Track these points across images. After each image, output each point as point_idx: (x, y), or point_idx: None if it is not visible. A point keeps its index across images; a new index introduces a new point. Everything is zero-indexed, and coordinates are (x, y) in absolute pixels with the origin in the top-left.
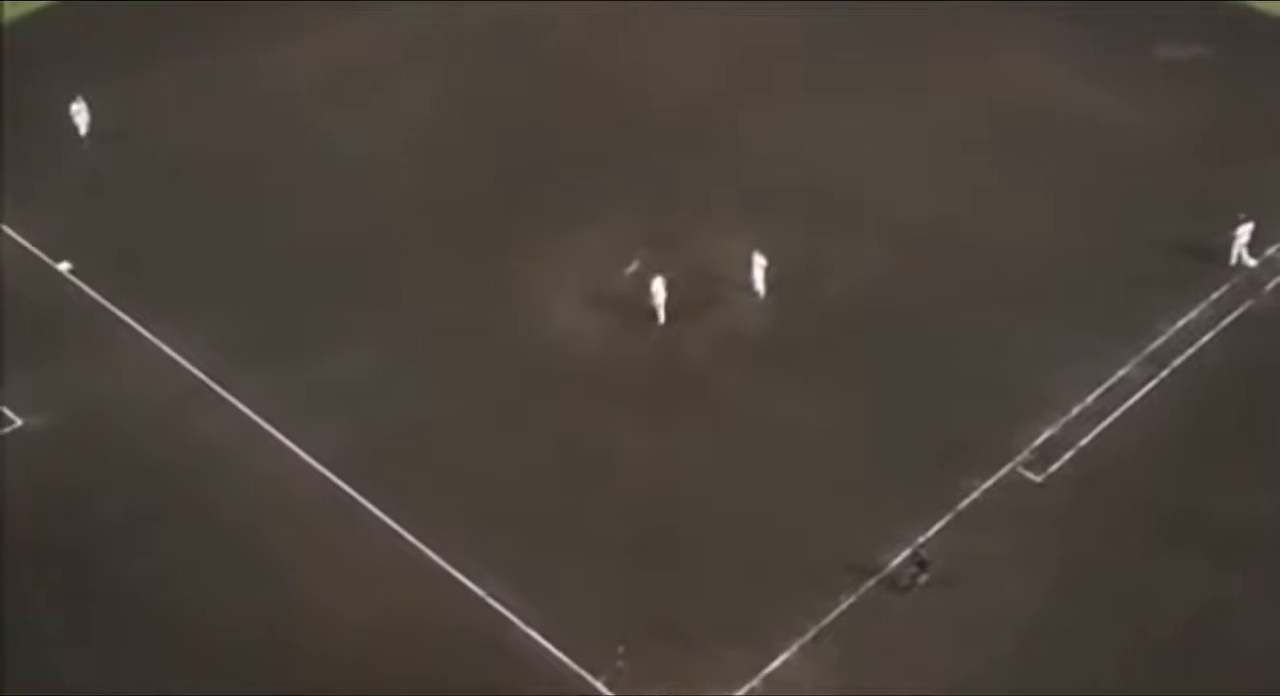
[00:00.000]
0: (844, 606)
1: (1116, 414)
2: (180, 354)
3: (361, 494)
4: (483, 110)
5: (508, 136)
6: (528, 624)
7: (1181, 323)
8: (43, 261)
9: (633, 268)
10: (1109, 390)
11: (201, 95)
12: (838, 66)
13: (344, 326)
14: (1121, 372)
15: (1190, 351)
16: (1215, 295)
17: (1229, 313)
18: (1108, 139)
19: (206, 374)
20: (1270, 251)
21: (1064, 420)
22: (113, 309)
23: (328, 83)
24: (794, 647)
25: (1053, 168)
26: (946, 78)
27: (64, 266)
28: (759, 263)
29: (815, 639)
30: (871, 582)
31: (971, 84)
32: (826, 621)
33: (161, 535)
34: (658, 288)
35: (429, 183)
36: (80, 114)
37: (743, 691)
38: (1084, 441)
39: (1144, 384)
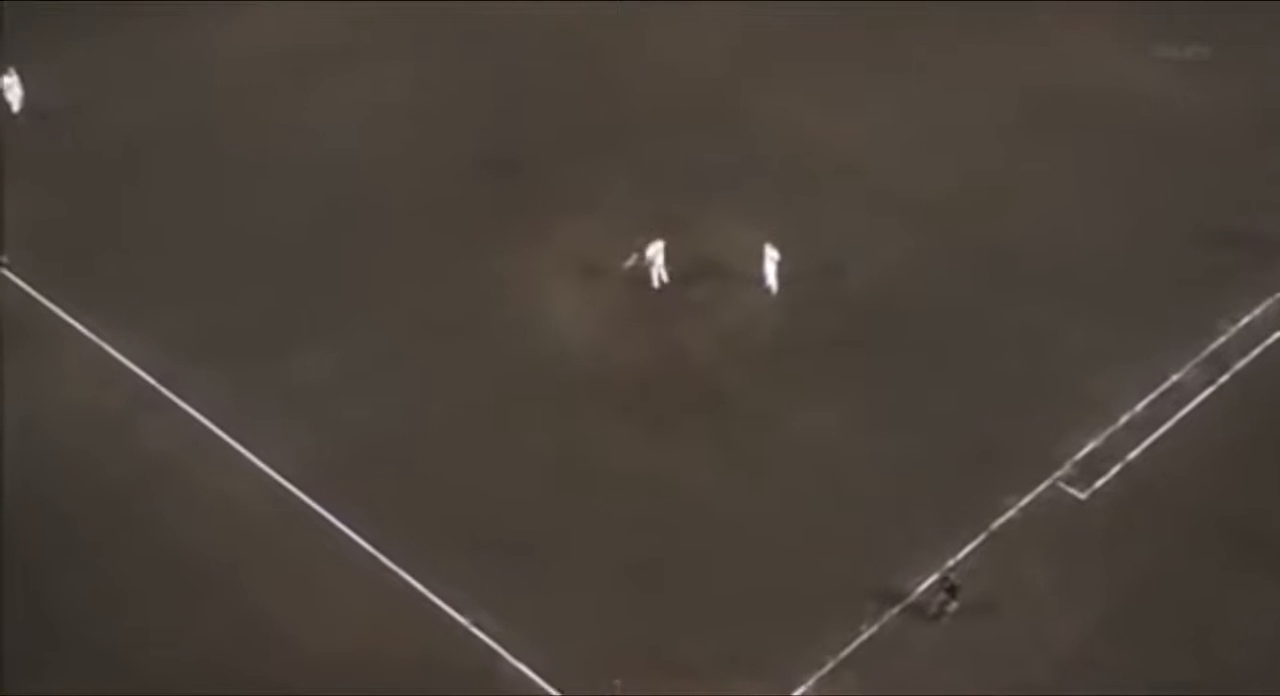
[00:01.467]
0: (865, 637)
1: (1170, 423)
2: (128, 356)
3: (329, 510)
4: (466, 91)
5: (495, 118)
6: (516, 656)
7: (1244, 320)
8: None
9: (632, 261)
10: (1161, 395)
11: (149, 68)
12: (858, 42)
13: (311, 324)
14: (1176, 377)
15: (1254, 353)
16: None
17: None
18: (1160, 120)
19: (157, 378)
20: None
21: (1111, 429)
22: (52, 308)
23: (295, 55)
24: (810, 682)
25: (1097, 151)
26: (977, 54)
27: None
28: (771, 255)
29: (833, 673)
30: (896, 610)
31: (1004, 61)
32: (846, 653)
33: (106, 555)
34: (655, 251)
35: (406, 167)
36: (12, 89)
37: None
38: (1133, 453)
39: (1201, 389)
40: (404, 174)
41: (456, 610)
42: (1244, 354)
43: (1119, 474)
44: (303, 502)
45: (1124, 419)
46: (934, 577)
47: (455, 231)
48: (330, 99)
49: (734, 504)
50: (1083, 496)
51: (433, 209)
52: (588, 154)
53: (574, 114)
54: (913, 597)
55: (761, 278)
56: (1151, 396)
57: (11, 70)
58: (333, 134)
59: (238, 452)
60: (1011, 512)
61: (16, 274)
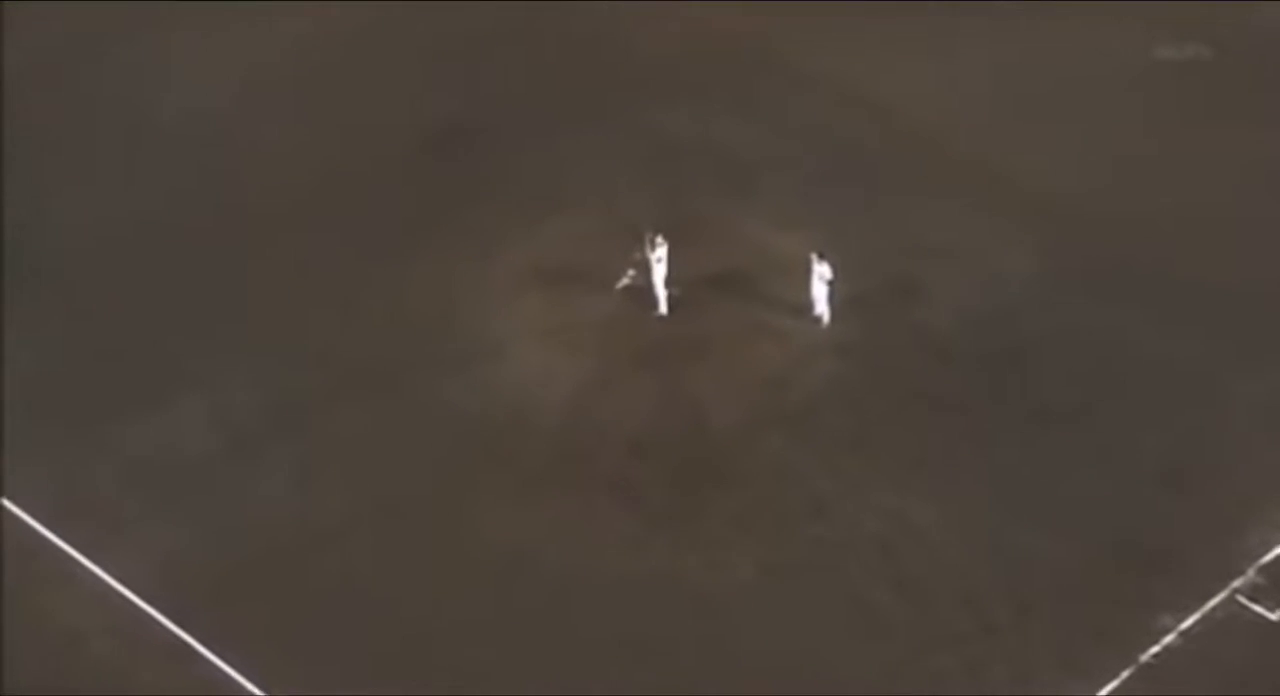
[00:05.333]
0: None
1: None
2: None
3: (200, 639)
4: (396, 41)
5: (436, 78)
6: None
7: None
8: None
9: (628, 279)
10: None
11: None
12: None
13: (173, 371)
14: None
15: None
16: None
17: None
18: None
19: None
20: None
21: None
22: None
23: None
24: None
25: (1261, 133)
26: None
27: None
28: (821, 272)
29: None
30: None
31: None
32: None
33: None
34: (658, 264)
35: (310, 147)
36: None
37: None
38: None
39: None
40: (306, 157)
41: None
42: None
43: None
44: (162, 625)
45: None
46: None
47: (379, 238)
48: (200, 53)
49: (768, 625)
50: (1273, 616)
51: (347, 206)
52: (566, 127)
53: (548, 72)
54: None
55: (808, 303)
56: None
57: None
58: (202, 102)
59: (75, 562)
60: (1170, 638)
61: None
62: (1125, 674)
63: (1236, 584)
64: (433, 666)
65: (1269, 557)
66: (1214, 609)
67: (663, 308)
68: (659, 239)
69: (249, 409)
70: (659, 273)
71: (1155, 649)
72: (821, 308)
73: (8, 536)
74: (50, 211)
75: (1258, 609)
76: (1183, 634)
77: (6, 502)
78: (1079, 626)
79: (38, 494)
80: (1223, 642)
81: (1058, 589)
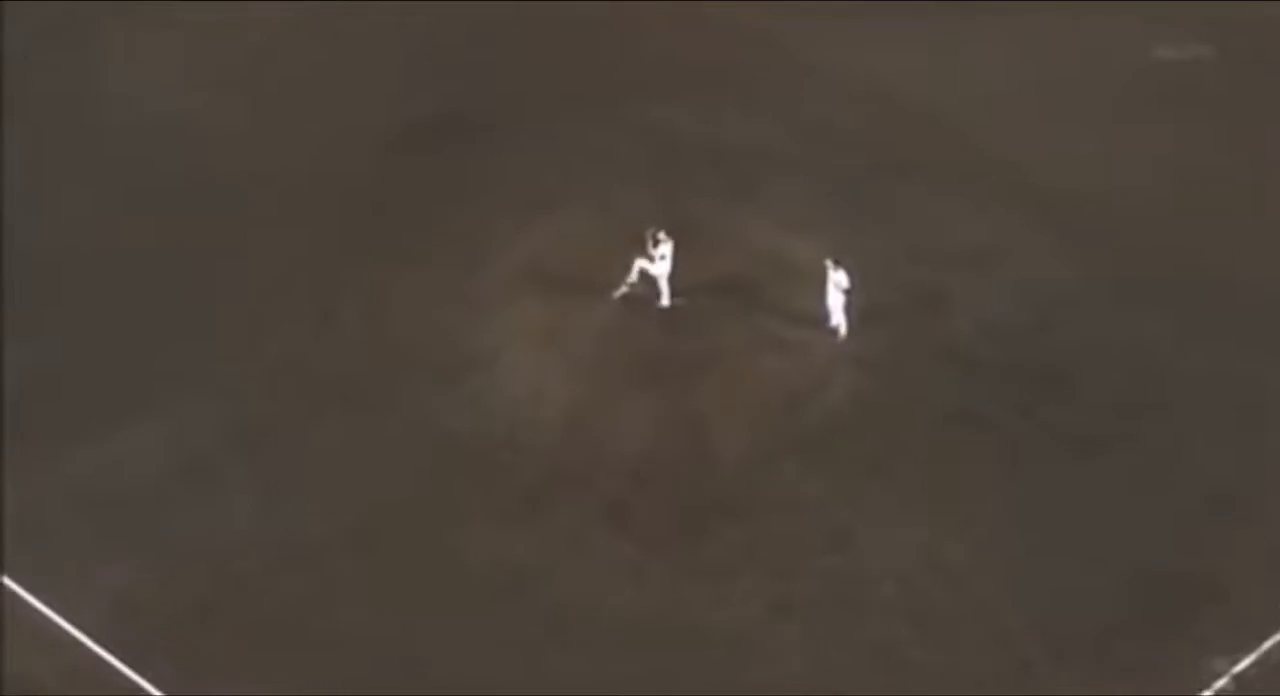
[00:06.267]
0: None
1: None
2: None
3: (152, 680)
4: (392, 40)
5: (430, 79)
6: None
7: None
8: None
9: (625, 288)
10: None
11: None
12: None
13: (129, 389)
14: None
15: None
16: None
17: None
18: None
19: None
20: None
21: None
22: None
23: None
24: None
25: None
26: None
27: None
28: (837, 280)
29: None
30: None
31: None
32: None
33: None
34: (659, 271)
35: (275, 142)
36: None
37: None
38: None
39: None
40: (270, 153)
41: None
42: None
43: None
44: (113, 669)
45: None
46: None
47: (355, 245)
48: (152, 47)
49: (778, 664)
50: None
51: (324, 209)
52: (557, 121)
53: (537, 61)
54: None
55: (823, 314)
56: None
57: None
58: (154, 96)
59: (17, 599)
60: (1223, 681)
61: None
62: None
63: None
64: None
65: None
66: (1271, 650)
67: (665, 300)
68: (662, 235)
69: (205, 432)
70: (663, 269)
71: (1206, 694)
72: (838, 319)
73: None
74: (23, 215)
75: None
76: (1236, 678)
77: None
78: (1121, 668)
79: None
80: None
81: (1097, 627)
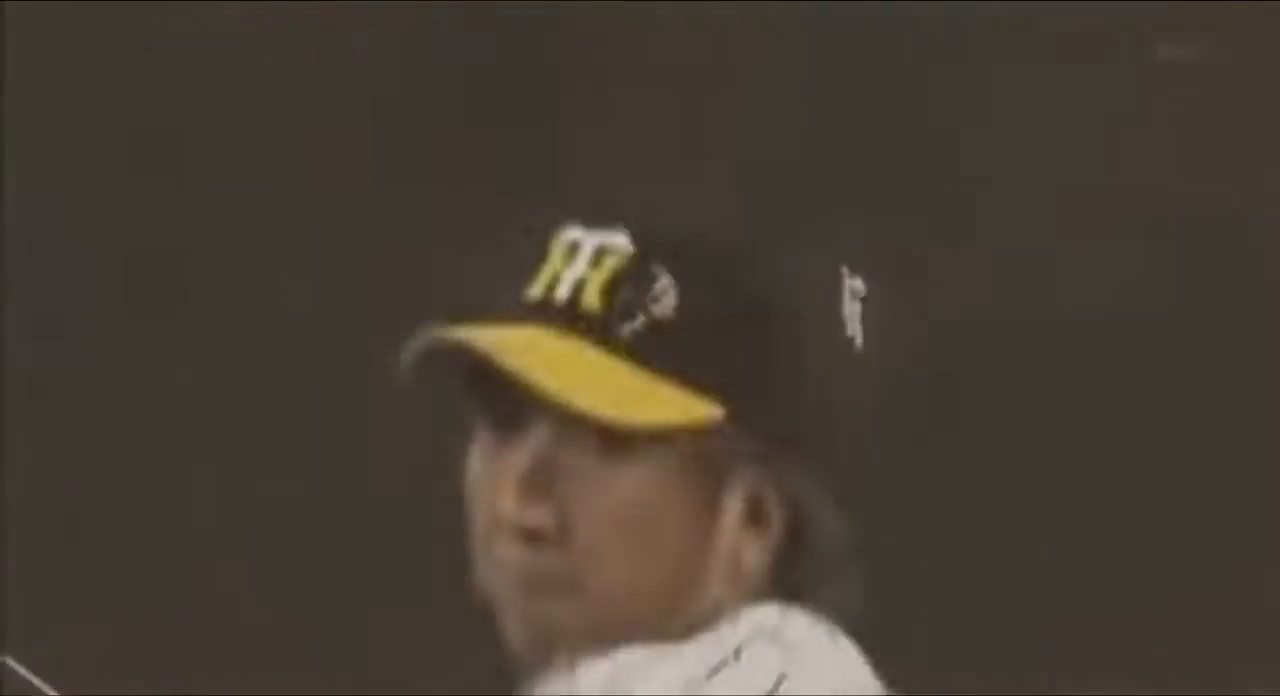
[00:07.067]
0: None
1: None
2: None
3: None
4: (382, 36)
5: (418, 76)
6: None
7: None
8: None
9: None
10: None
11: None
12: None
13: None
14: None
15: None
16: None
17: None
18: None
19: None
20: None
21: None
22: None
23: None
24: None
25: None
26: None
27: None
28: (853, 288)
29: None
30: None
31: None
32: None
33: None
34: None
35: (229, 156)
36: None
37: None
38: None
39: None
40: (251, 168)
41: None
42: None
43: None
44: None
45: None
46: None
47: (337, 259)
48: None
49: None
50: None
51: (299, 225)
52: (537, 121)
53: (538, 62)
54: None
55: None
56: None
57: None
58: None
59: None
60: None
61: None
62: None
63: None
64: None
65: None
66: None
67: None
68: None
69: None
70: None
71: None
72: (853, 329)
73: None
74: None
75: None
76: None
77: None
78: (1122, 668)
79: None
80: None
81: (1099, 627)
